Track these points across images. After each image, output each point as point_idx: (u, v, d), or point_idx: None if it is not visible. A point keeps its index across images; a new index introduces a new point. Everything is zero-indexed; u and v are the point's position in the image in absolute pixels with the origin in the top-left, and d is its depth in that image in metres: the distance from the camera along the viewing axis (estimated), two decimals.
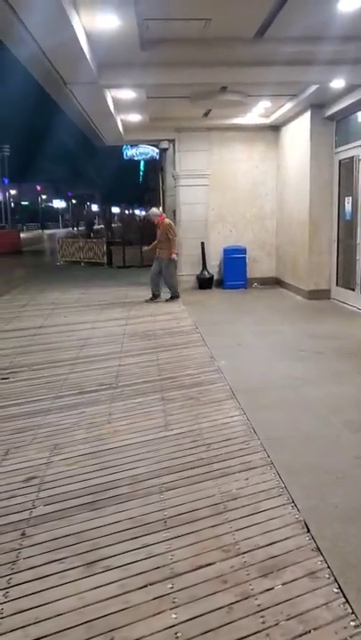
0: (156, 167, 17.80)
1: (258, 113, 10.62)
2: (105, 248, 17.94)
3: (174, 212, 12.25)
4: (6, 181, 54.68)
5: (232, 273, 11.56)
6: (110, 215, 38.86)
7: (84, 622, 2.18)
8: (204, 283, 11.65)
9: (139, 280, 12.95)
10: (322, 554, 2.57)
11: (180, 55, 6.62)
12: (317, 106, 9.37)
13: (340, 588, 2.33)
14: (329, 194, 9.71)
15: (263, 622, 2.15)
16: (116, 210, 46.90)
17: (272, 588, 2.34)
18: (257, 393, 4.92)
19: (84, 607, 2.26)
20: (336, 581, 2.37)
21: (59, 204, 77.22)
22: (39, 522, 2.92)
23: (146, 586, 2.38)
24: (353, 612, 2.19)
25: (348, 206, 9.17)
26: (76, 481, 3.36)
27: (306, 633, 2.09)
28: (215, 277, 11.76)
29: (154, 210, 10.81)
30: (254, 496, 3.11)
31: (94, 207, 66.72)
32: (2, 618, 2.22)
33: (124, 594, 2.34)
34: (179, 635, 2.11)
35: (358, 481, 3.31)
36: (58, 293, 11.52)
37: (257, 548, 2.62)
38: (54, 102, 8.58)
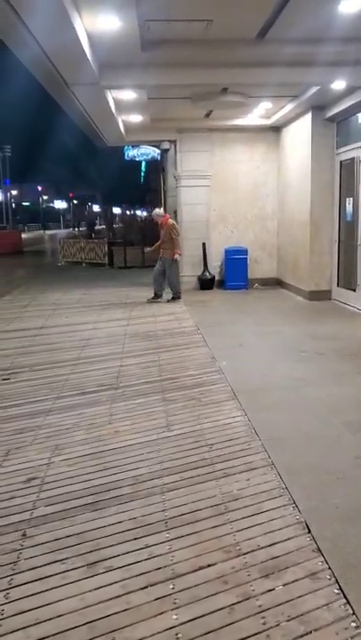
0: (157, 168, 17.79)
1: (259, 114, 10.63)
2: (106, 249, 17.96)
3: (175, 212, 12.26)
4: (8, 182, 54.76)
5: (233, 274, 11.57)
6: (111, 216, 38.94)
7: (86, 623, 2.18)
8: (206, 283, 11.66)
9: (140, 280, 12.96)
10: (323, 554, 2.57)
11: (181, 56, 6.62)
12: (318, 107, 9.38)
13: (340, 588, 2.33)
14: (330, 195, 9.71)
15: (264, 623, 2.15)
16: (117, 210, 46.94)
17: (273, 589, 2.35)
18: (258, 393, 4.93)
19: (85, 608, 2.27)
20: (337, 582, 2.37)
21: (60, 204, 77.28)
22: (40, 522, 2.92)
23: (147, 586, 2.39)
24: (354, 613, 2.19)
25: (348, 207, 9.17)
26: (78, 481, 3.36)
27: (307, 634, 2.10)
28: (216, 278, 11.77)
29: (157, 210, 10.82)
30: (255, 497, 3.11)
31: (95, 208, 66.76)
32: (3, 619, 2.23)
33: (125, 594, 2.34)
34: (180, 635, 2.11)
35: (359, 481, 3.31)
36: (59, 294, 11.53)
37: (258, 549, 2.62)
38: (56, 103, 8.60)
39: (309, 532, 2.75)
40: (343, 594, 2.30)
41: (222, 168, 11.72)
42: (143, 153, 15.37)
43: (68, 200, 75.51)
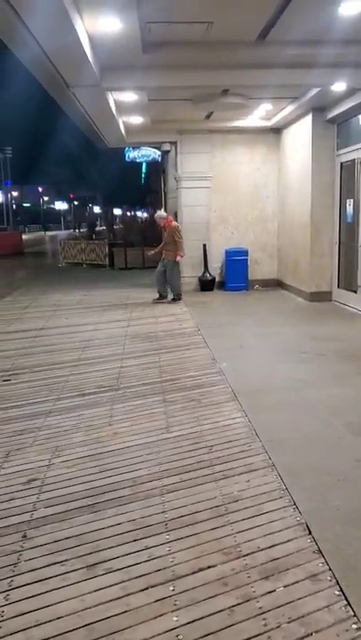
0: (157, 169, 17.80)
1: (259, 115, 10.63)
2: (107, 250, 17.97)
3: (176, 213, 12.27)
4: (9, 183, 54.79)
5: (234, 275, 11.57)
6: (112, 217, 38.93)
7: (86, 625, 2.18)
8: (206, 284, 11.66)
9: (141, 282, 12.97)
10: (323, 556, 2.56)
11: (182, 58, 6.63)
12: (319, 109, 9.38)
13: (341, 590, 2.33)
14: (330, 196, 9.71)
15: (265, 625, 2.15)
16: (117, 212, 46.93)
17: (273, 591, 2.34)
18: (258, 395, 4.92)
19: (85, 610, 2.26)
20: (338, 584, 2.37)
21: (61, 205, 77.27)
22: (40, 524, 2.92)
23: (147, 588, 2.38)
24: (355, 615, 2.18)
25: (349, 208, 9.17)
26: (78, 483, 3.36)
27: (307, 636, 2.09)
28: (217, 279, 11.77)
29: (160, 213, 10.82)
30: (256, 498, 3.11)
31: (96, 209, 66.79)
32: (3, 620, 2.23)
33: (125, 596, 2.34)
34: (180, 637, 2.10)
35: (360, 483, 3.31)
36: (60, 295, 11.53)
37: (258, 551, 2.62)
38: (57, 105, 8.61)
39: (310, 533, 2.75)
40: (344, 595, 2.30)
41: (223, 170, 11.73)
42: (144, 154, 15.37)
43: (69, 201, 75.54)
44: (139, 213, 41.30)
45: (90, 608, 2.27)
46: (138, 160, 16.01)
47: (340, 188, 9.58)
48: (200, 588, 2.37)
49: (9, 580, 2.47)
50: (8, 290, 12.56)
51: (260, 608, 2.24)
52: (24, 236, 33.91)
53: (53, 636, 2.13)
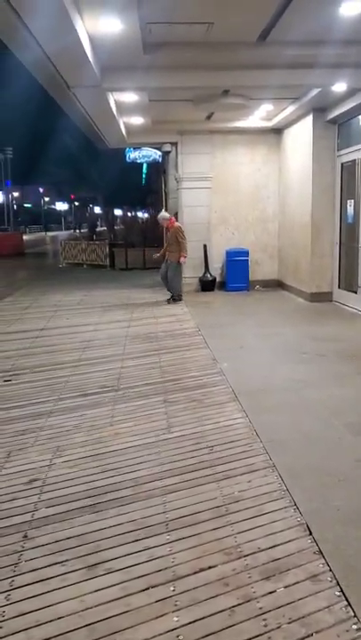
0: (158, 170, 17.79)
1: (260, 116, 10.64)
2: (107, 250, 17.98)
3: (176, 214, 12.27)
4: (9, 184, 54.82)
5: (234, 275, 11.58)
6: (113, 217, 38.94)
7: (86, 625, 2.18)
8: (207, 285, 11.66)
9: (141, 282, 12.98)
10: (324, 557, 2.57)
11: (182, 58, 6.64)
12: (319, 109, 9.39)
13: (342, 591, 2.33)
14: (331, 197, 9.72)
15: (265, 625, 2.15)
16: (118, 212, 46.95)
17: (274, 591, 2.34)
18: (259, 395, 4.93)
19: (85, 610, 2.27)
20: (338, 584, 2.37)
21: (61, 206, 77.33)
22: (41, 524, 2.92)
23: (148, 588, 2.39)
24: (355, 616, 2.19)
25: (350, 209, 9.18)
26: (79, 483, 3.36)
27: (308, 636, 2.10)
28: (217, 280, 11.77)
29: (163, 214, 10.81)
30: (256, 499, 3.11)
31: (97, 209, 66.81)
32: (4, 620, 2.23)
33: (125, 596, 2.34)
34: (181, 637, 2.11)
35: (360, 483, 3.31)
36: (60, 295, 11.54)
37: (259, 551, 2.62)
38: (58, 105, 8.61)
39: (311, 534, 2.75)
40: (344, 596, 2.30)
41: (223, 170, 11.73)
42: (144, 155, 15.40)
43: (70, 202, 75.61)
44: (139, 214, 41.29)
45: (91, 608, 2.27)
46: (138, 161, 16.05)
47: (340, 189, 9.58)
48: (201, 588, 2.38)
49: (10, 579, 2.48)
50: (9, 290, 12.57)
51: (260, 608, 2.24)
52: (25, 237, 33.93)
53: (54, 636, 2.13)
